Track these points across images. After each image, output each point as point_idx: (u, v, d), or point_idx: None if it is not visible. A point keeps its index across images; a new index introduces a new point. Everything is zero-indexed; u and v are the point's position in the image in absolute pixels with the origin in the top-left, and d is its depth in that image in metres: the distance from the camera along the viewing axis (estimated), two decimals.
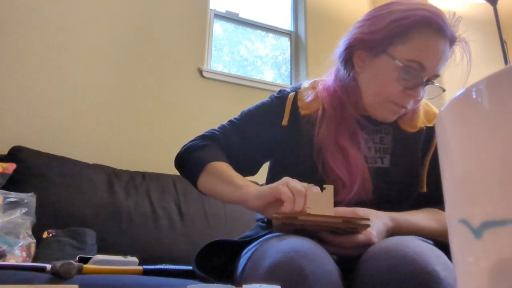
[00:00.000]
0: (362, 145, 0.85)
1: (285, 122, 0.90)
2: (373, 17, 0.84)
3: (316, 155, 0.84)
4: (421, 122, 0.89)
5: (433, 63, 0.80)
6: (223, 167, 0.85)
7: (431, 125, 0.89)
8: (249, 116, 0.96)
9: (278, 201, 0.70)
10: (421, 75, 0.80)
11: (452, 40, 0.83)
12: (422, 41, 0.79)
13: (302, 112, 0.89)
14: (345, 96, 0.88)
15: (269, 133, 0.91)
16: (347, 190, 0.80)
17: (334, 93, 0.89)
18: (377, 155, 0.89)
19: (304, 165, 0.86)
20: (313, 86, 0.94)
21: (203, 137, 0.94)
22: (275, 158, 0.96)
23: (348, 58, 0.88)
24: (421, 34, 0.78)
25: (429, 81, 0.82)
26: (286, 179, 0.72)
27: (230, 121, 0.98)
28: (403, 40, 0.79)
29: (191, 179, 0.90)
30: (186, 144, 0.94)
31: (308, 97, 0.91)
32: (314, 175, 0.83)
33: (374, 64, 0.84)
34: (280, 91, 0.96)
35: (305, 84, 0.96)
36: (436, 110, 0.93)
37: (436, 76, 0.82)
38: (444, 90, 0.86)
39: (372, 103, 0.86)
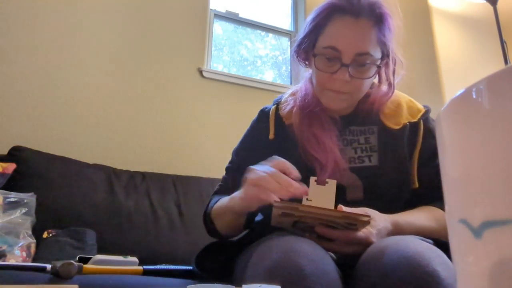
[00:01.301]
0: (333, 136, 0.89)
1: (271, 135, 0.94)
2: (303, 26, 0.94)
3: (300, 147, 0.89)
4: (405, 118, 0.91)
5: (346, 43, 0.83)
6: (217, 205, 0.91)
7: (415, 120, 0.90)
8: (238, 152, 1.01)
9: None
10: (340, 57, 0.83)
11: (377, 18, 0.84)
12: (333, 27, 0.85)
13: (287, 121, 0.93)
14: (311, 94, 0.93)
15: (261, 154, 0.94)
16: (324, 170, 0.83)
17: (305, 92, 0.95)
18: (363, 154, 0.90)
19: (290, 161, 0.88)
20: (293, 94, 0.99)
21: (211, 196, 1.01)
22: None
23: (307, 58, 0.95)
24: (332, 22, 0.85)
25: (357, 61, 0.84)
26: (249, 174, 0.75)
27: (226, 168, 1.03)
28: (321, 33, 0.87)
29: (217, 235, 0.95)
30: None
31: (288, 105, 0.95)
32: (300, 164, 0.85)
33: (311, 60, 0.91)
34: (261, 110, 1.01)
35: (285, 95, 1.01)
36: (420, 106, 0.95)
37: (363, 54, 0.83)
38: (379, 67, 0.88)
39: (317, 94, 0.91)
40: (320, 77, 0.87)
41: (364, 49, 0.83)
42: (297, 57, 0.96)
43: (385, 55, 0.88)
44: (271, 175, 0.70)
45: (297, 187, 0.69)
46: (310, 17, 0.90)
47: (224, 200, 0.88)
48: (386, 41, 0.86)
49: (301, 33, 0.93)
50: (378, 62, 0.86)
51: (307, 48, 0.91)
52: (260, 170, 0.72)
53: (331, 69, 0.85)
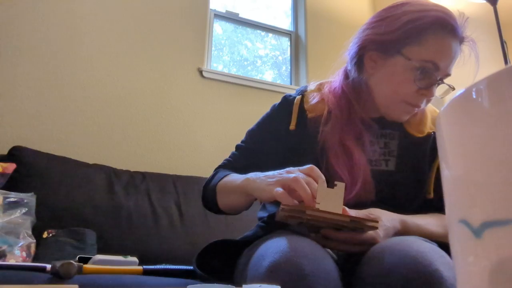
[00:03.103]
0: (367, 147, 0.86)
1: (292, 126, 0.90)
2: (386, 18, 0.84)
3: (320, 155, 0.84)
4: (429, 127, 0.89)
5: (447, 63, 0.82)
6: (226, 180, 0.87)
7: None
8: (253, 134, 0.97)
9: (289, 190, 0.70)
10: (435, 75, 0.81)
11: (461, 40, 0.84)
12: (437, 41, 0.80)
13: (310, 115, 0.89)
14: (354, 97, 0.88)
15: (277, 142, 0.92)
16: (347, 190, 0.79)
17: (342, 95, 0.89)
18: (381, 158, 0.88)
19: (307, 155, 0.86)
20: (319, 88, 0.94)
21: (214, 170, 0.97)
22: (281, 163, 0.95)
23: (358, 59, 0.88)
24: (435, 35, 0.80)
25: (441, 80, 0.84)
26: (290, 169, 0.73)
27: (236, 146, 0.99)
28: (418, 41, 0.80)
29: (215, 209, 0.93)
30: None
31: (314, 99, 0.91)
32: (314, 161, 0.82)
33: (387, 64, 0.84)
34: (284, 97, 0.96)
35: (311, 86, 0.96)
36: None
37: (448, 75, 0.84)
38: (453, 89, 0.87)
39: (385, 103, 0.86)
40: (405, 88, 0.82)
41: (451, 71, 0.83)
42: (358, 50, 0.87)
43: None
44: (306, 181, 0.69)
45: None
46: (403, 19, 0.81)
47: (235, 178, 0.84)
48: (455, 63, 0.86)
49: (382, 30, 0.84)
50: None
51: (388, 52, 0.83)
52: (298, 174, 0.71)
53: (421, 83, 0.81)
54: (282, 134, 0.90)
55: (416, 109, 0.85)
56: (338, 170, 0.81)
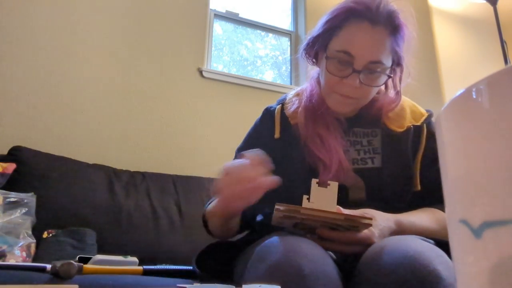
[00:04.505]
0: (338, 136, 0.89)
1: (277, 134, 0.93)
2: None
3: (304, 147, 0.88)
4: (408, 121, 0.91)
5: (361, 49, 0.83)
6: (210, 206, 0.91)
7: (418, 124, 0.91)
8: (243, 149, 0.98)
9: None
10: (352, 63, 0.83)
11: (393, 27, 0.84)
12: (349, 31, 0.84)
13: (292, 121, 0.92)
14: (317, 94, 0.93)
15: (266, 151, 0.93)
16: (327, 170, 0.83)
17: (311, 92, 0.94)
18: (366, 156, 0.90)
19: (295, 160, 0.89)
20: (298, 94, 0.98)
21: None
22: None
23: (314, 58, 0.95)
24: (349, 25, 0.84)
25: (368, 69, 0.84)
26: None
27: None
28: (336, 34, 0.86)
29: (213, 236, 0.96)
30: None
31: (293, 105, 0.95)
32: (303, 166, 0.86)
33: (322, 60, 0.90)
34: (266, 109, 1.00)
35: (289, 95, 1.00)
36: (422, 110, 0.95)
37: (375, 62, 0.83)
38: (389, 77, 0.87)
39: (324, 96, 0.91)
40: (330, 79, 0.86)
41: (377, 58, 0.83)
42: (306, 54, 0.95)
43: (395, 63, 0.88)
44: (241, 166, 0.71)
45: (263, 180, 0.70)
46: (325, 18, 0.89)
47: (213, 203, 0.88)
48: (398, 51, 0.86)
49: (313, 32, 0.92)
50: (388, 71, 0.86)
51: (318, 49, 0.91)
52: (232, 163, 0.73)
53: (341, 73, 0.84)
54: (269, 144, 0.93)
55: (351, 99, 0.86)
56: (317, 152, 0.85)
